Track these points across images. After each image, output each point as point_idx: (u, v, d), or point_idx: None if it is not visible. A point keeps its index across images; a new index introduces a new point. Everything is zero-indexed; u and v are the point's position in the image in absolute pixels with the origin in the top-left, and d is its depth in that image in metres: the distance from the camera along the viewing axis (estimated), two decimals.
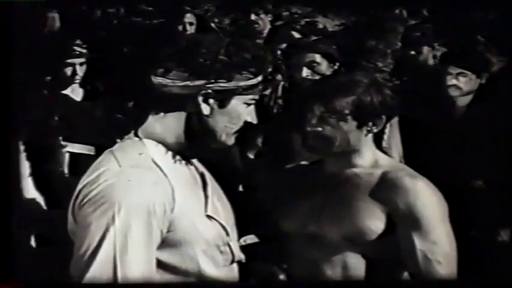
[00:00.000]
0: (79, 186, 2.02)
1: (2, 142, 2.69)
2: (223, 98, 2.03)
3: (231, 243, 2.12)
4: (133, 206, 1.93)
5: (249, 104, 2.08)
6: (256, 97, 2.07)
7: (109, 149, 2.08)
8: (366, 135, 2.30)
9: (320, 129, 2.27)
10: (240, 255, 2.16)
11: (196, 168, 2.16)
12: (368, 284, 2.28)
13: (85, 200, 1.97)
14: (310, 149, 2.33)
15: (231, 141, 2.10)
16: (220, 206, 2.15)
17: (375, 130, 2.31)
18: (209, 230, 2.07)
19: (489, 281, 2.46)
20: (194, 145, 2.08)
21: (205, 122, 2.05)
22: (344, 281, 2.27)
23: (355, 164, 2.32)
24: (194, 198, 2.08)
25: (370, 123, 2.29)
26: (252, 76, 2.04)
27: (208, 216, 2.08)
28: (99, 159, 2.06)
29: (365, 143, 2.32)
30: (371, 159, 2.32)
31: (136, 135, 2.09)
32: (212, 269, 2.07)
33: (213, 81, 2.01)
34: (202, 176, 2.16)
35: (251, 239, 2.41)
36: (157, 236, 1.97)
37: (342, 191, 2.30)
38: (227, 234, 2.12)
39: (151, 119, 2.09)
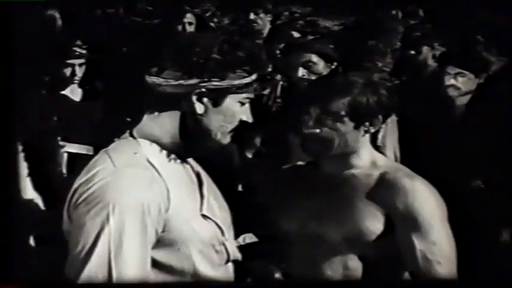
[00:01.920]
0: (74, 186, 2.01)
1: (0, 143, 2.69)
2: (217, 97, 2.02)
3: (226, 243, 2.12)
4: (127, 206, 1.93)
5: (243, 103, 2.07)
6: (251, 96, 2.07)
7: (104, 149, 2.08)
8: (363, 135, 2.29)
9: (318, 131, 2.26)
10: (235, 255, 2.16)
11: (192, 168, 2.15)
12: (367, 284, 2.27)
13: (80, 200, 1.97)
14: (309, 151, 2.32)
15: (226, 140, 2.09)
16: (217, 206, 2.15)
17: (372, 130, 2.30)
18: (205, 229, 2.07)
19: (489, 281, 2.45)
20: (189, 144, 2.08)
21: (199, 121, 2.05)
22: (343, 281, 2.26)
23: (352, 165, 2.31)
24: (190, 197, 2.08)
25: (367, 123, 2.28)
26: (246, 74, 2.04)
27: (204, 216, 2.07)
28: (94, 158, 2.06)
29: (362, 144, 2.31)
30: (369, 160, 2.32)
31: (131, 134, 2.09)
32: (207, 268, 2.06)
33: (206, 79, 2.01)
34: (198, 175, 2.15)
35: (250, 238, 2.40)
36: (152, 235, 1.97)
37: (340, 192, 2.29)
38: (222, 233, 2.11)
39: (146, 119, 2.08)
